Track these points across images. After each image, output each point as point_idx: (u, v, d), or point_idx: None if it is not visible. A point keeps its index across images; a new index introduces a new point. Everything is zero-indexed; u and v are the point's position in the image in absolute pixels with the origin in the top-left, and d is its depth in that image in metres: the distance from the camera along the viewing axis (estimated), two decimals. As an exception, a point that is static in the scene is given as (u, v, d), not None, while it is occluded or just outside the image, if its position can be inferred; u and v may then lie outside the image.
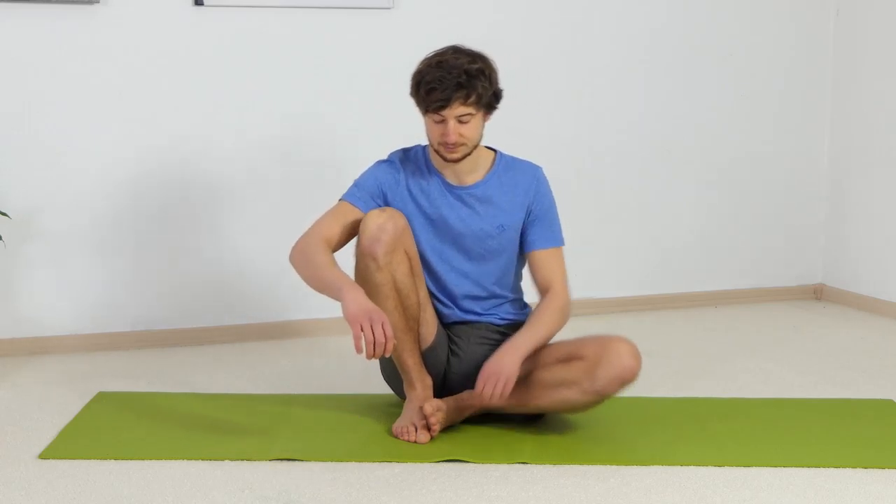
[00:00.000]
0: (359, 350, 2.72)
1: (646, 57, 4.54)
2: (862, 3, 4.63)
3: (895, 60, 4.47)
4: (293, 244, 2.99)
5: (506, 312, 3.13)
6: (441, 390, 3.07)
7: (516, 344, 2.94)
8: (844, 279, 4.77)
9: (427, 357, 3.04)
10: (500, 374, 2.87)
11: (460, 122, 2.88)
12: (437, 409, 2.94)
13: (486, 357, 2.96)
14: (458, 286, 3.08)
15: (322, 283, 2.88)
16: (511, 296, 3.14)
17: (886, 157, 4.54)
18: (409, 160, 3.08)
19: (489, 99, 2.92)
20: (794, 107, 4.77)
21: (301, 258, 2.95)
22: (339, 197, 3.06)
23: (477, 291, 3.09)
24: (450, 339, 3.10)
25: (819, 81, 4.78)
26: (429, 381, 3.02)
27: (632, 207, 4.62)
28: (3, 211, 3.69)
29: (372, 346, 2.71)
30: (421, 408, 2.95)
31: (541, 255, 3.06)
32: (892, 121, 4.50)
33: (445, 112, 2.86)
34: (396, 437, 2.95)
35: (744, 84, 4.68)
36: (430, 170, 3.05)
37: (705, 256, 4.75)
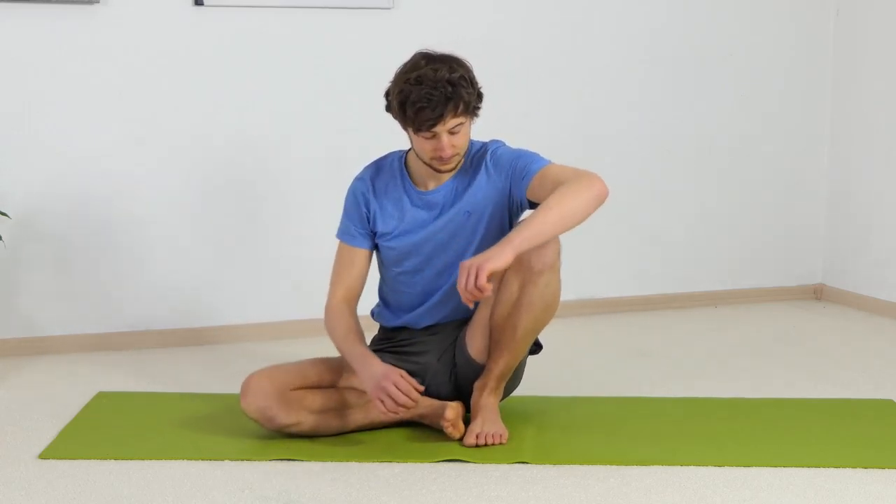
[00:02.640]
0: (391, 414, 2.83)
1: (646, 57, 4.54)
2: (862, 3, 4.63)
3: (895, 60, 4.47)
4: (325, 306, 3.03)
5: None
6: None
7: (509, 235, 2.72)
8: (844, 279, 4.77)
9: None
10: (473, 263, 2.64)
11: (452, 133, 2.83)
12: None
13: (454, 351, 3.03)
14: (430, 291, 3.03)
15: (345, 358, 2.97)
16: None
17: (886, 157, 4.54)
18: (381, 173, 3.03)
19: (475, 103, 2.87)
20: (794, 107, 4.77)
21: (328, 330, 3.00)
22: (336, 233, 3.06)
23: (449, 291, 3.02)
24: (407, 358, 3.08)
25: (819, 81, 4.78)
26: (454, 404, 2.97)
27: (631, 207, 4.61)
28: (3, 211, 3.69)
29: (396, 406, 2.79)
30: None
31: (536, 179, 2.87)
32: (892, 121, 4.50)
33: (438, 128, 2.80)
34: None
35: (744, 84, 4.69)
36: (405, 180, 3.00)
37: (705, 256, 4.75)
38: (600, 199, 2.83)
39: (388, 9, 4.15)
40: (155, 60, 3.96)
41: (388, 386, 2.78)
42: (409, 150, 3.02)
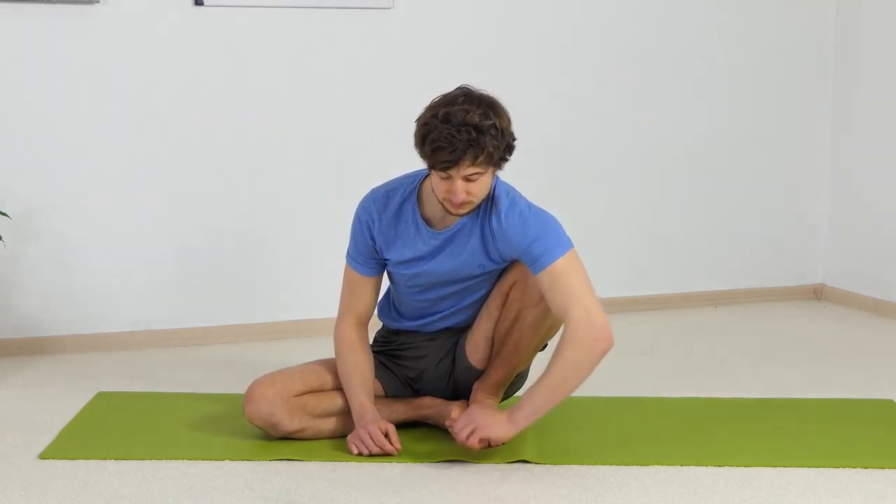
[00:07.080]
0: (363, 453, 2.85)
1: (645, 57, 4.54)
2: (862, 3, 4.63)
3: (895, 60, 4.47)
4: (334, 330, 3.01)
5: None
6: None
7: (516, 413, 2.75)
8: (845, 279, 4.77)
9: (395, 393, 3.07)
10: (474, 424, 2.74)
11: (468, 180, 2.65)
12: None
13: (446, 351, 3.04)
14: (437, 310, 3.00)
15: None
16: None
17: (886, 158, 4.54)
18: (390, 204, 2.87)
19: (500, 155, 2.68)
20: (794, 107, 4.77)
21: (336, 356, 2.98)
22: (345, 255, 2.98)
23: (455, 309, 3.01)
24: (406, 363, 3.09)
25: (819, 81, 4.78)
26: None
27: (631, 207, 4.62)
28: (3, 211, 3.69)
29: (367, 451, 2.82)
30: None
31: (544, 277, 2.76)
32: (893, 121, 4.50)
33: (452, 171, 2.63)
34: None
35: (744, 84, 4.68)
36: (416, 215, 2.86)
37: (705, 256, 4.75)
38: (604, 355, 2.75)
39: (388, 9, 4.15)
40: (155, 60, 3.96)
41: (364, 435, 2.82)
42: (426, 177, 2.85)
